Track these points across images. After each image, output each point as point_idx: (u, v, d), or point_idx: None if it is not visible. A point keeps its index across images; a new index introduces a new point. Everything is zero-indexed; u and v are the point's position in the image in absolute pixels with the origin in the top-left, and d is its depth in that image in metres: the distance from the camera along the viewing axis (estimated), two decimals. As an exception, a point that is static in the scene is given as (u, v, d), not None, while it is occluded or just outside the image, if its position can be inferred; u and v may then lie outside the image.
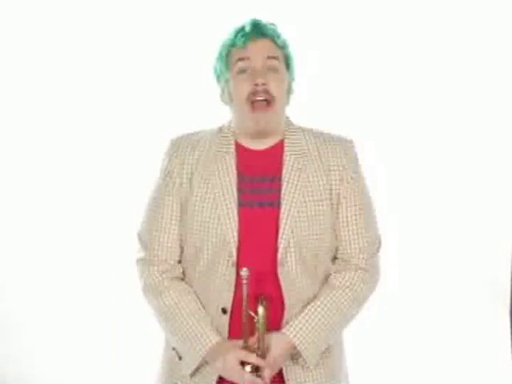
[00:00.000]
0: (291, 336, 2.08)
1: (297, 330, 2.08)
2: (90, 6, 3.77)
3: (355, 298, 2.13)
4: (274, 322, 2.10)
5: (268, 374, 2.04)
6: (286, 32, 2.16)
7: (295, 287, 2.10)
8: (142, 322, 3.52)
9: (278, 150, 2.14)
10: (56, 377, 3.75)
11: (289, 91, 2.15)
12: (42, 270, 3.86)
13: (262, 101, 2.06)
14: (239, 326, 2.06)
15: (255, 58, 2.07)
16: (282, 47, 2.12)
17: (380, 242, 2.20)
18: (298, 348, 2.08)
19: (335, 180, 2.13)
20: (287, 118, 2.19)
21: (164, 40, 3.75)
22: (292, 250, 2.09)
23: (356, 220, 2.14)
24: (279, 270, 2.08)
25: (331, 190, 2.13)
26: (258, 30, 2.09)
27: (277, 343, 2.06)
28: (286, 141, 2.15)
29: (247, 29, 2.09)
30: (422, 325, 3.79)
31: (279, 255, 2.07)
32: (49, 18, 3.77)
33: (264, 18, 2.15)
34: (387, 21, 3.77)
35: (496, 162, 3.82)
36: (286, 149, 2.14)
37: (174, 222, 2.15)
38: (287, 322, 2.11)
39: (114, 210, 3.75)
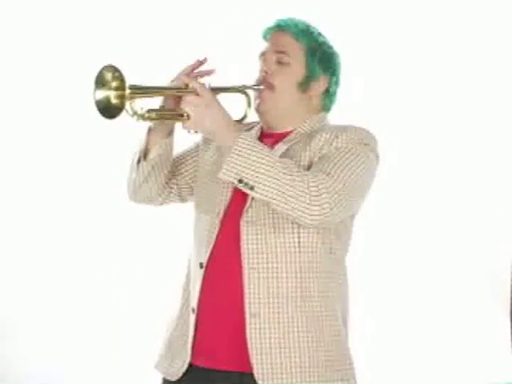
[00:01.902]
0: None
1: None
2: (90, 6, 3.79)
3: (300, 172, 1.91)
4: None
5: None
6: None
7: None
8: (139, 325, 3.55)
9: (278, 138, 2.10)
10: (51, 378, 3.75)
11: (303, 84, 2.09)
12: (38, 272, 3.87)
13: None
14: (207, 325, 2.01)
15: (267, 52, 2.11)
16: (300, 40, 2.10)
17: (336, 209, 1.91)
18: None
19: (320, 148, 2.00)
20: (325, 118, 2.14)
21: (165, 42, 3.77)
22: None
23: (329, 167, 1.93)
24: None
25: (312, 159, 2.00)
26: (277, 24, 2.12)
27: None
28: (292, 132, 2.09)
29: (269, 24, 2.13)
30: (422, 324, 3.80)
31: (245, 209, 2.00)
32: (48, 19, 3.80)
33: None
34: (385, 20, 3.79)
35: (497, 162, 3.83)
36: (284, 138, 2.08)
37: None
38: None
39: (115, 211, 3.75)
